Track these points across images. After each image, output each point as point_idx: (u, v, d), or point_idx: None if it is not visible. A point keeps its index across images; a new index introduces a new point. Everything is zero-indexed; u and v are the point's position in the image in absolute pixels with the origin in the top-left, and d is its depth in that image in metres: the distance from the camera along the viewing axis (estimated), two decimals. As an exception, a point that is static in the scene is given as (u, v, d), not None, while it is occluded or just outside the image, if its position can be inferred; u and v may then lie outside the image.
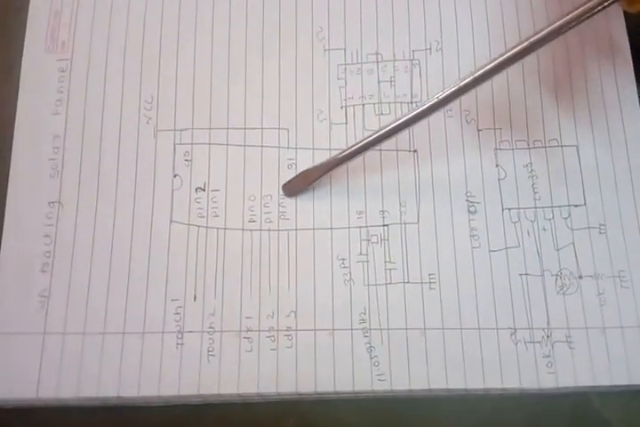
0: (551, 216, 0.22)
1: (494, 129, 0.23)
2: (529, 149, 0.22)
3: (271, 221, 0.21)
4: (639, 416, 0.21)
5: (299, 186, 0.21)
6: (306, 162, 0.22)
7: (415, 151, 0.22)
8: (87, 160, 0.21)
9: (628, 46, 0.24)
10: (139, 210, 0.21)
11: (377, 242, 0.21)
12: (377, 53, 0.23)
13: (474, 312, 0.20)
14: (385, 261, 0.21)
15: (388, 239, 0.21)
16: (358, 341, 0.20)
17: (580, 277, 0.21)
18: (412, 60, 0.23)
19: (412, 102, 0.23)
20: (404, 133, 0.23)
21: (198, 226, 0.21)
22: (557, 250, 0.21)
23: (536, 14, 0.24)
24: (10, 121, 0.21)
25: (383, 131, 0.20)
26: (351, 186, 0.22)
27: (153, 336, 0.20)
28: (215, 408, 0.20)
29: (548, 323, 0.21)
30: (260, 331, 0.20)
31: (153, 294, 0.20)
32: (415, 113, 0.20)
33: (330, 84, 0.23)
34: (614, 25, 0.24)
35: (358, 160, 0.22)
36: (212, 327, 0.20)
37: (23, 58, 0.22)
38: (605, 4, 0.19)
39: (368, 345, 0.20)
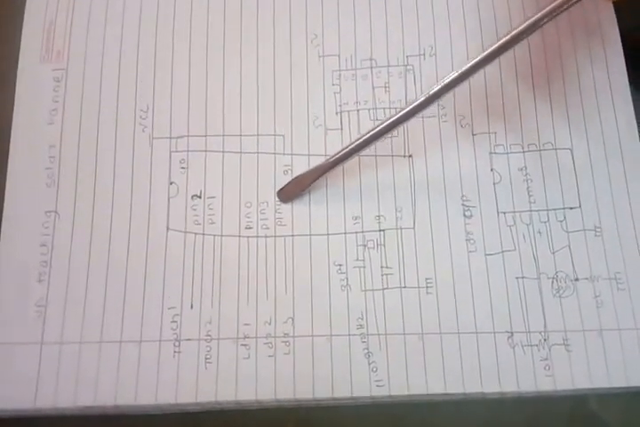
0: (546, 219, 0.22)
1: (489, 133, 0.23)
2: (523, 152, 0.23)
3: (268, 228, 0.21)
4: (637, 418, 0.21)
5: (293, 191, 0.21)
6: (302, 168, 0.22)
7: (410, 156, 0.22)
8: (83, 169, 0.21)
9: (622, 50, 0.24)
10: (135, 218, 0.21)
11: (373, 247, 0.21)
12: (371, 59, 0.23)
13: (471, 316, 0.21)
14: (381, 267, 0.21)
15: (384, 244, 0.21)
16: (356, 346, 0.20)
17: (577, 279, 0.21)
18: (406, 65, 0.23)
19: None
20: (399, 138, 0.23)
21: (195, 233, 0.21)
22: (553, 253, 0.22)
23: (529, 18, 0.24)
24: (6, 131, 0.21)
25: (374, 131, 0.20)
26: (347, 192, 0.22)
27: (150, 345, 0.20)
28: (213, 416, 0.20)
29: (545, 326, 0.21)
30: (257, 338, 0.20)
31: (150, 303, 0.20)
32: (404, 111, 0.20)
33: (325, 91, 0.23)
34: (607, 28, 0.24)
35: (354, 166, 0.22)
36: (209, 335, 0.20)
37: (18, 68, 0.22)
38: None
39: (366, 351, 0.20)
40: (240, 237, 0.21)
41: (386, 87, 0.23)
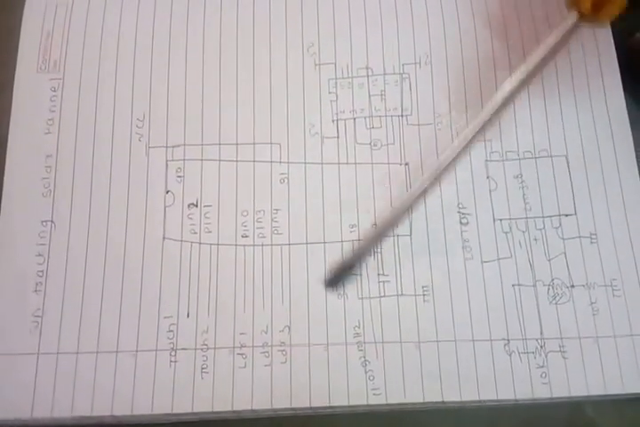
0: (542, 226, 0.22)
1: (484, 141, 0.23)
2: (519, 159, 0.23)
3: (264, 236, 0.21)
4: (633, 425, 0.21)
5: (339, 277, 0.21)
6: (298, 176, 0.22)
7: (407, 164, 0.22)
8: (79, 178, 0.21)
9: (616, 58, 0.24)
10: (131, 227, 0.21)
11: (370, 255, 0.21)
12: (367, 68, 0.23)
13: (467, 324, 0.21)
14: (378, 274, 0.21)
15: (380, 252, 0.21)
16: (353, 355, 0.20)
17: (572, 286, 0.21)
18: (401, 73, 0.23)
19: (402, 115, 0.23)
20: (395, 146, 0.23)
21: (191, 242, 0.21)
22: (549, 260, 0.22)
23: (523, 27, 0.24)
24: (2, 140, 0.21)
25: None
26: (343, 199, 0.22)
27: (146, 354, 0.20)
28: (209, 426, 0.20)
29: (542, 333, 0.21)
30: (253, 347, 0.20)
31: (146, 312, 0.20)
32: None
33: (321, 99, 0.23)
34: (601, 37, 0.24)
35: (350, 174, 0.22)
36: (205, 344, 0.20)
37: (15, 77, 0.22)
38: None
39: (363, 359, 0.20)
40: (236, 245, 0.21)
41: (382, 95, 0.23)
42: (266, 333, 0.20)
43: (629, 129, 0.23)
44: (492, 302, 0.21)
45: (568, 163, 0.23)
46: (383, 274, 0.21)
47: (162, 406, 0.19)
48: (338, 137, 0.22)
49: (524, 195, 0.22)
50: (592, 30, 0.24)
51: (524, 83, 0.20)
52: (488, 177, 0.22)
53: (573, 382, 0.20)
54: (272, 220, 0.21)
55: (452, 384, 0.20)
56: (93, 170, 0.21)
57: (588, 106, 0.23)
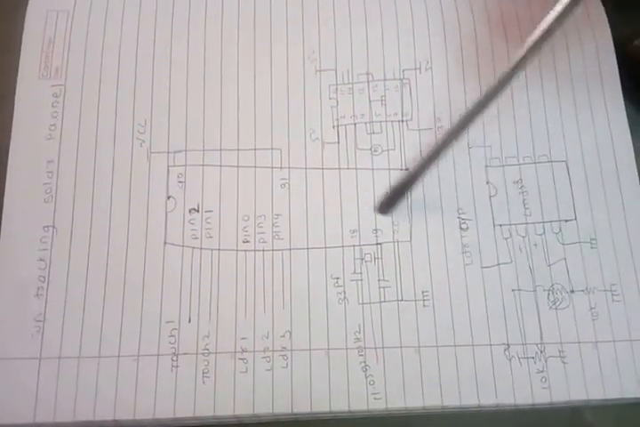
0: (542, 231, 0.22)
1: (484, 146, 0.23)
2: (519, 165, 0.23)
3: (265, 242, 0.21)
4: (633, 430, 0.21)
5: (392, 202, 0.21)
6: (299, 181, 0.22)
7: (407, 169, 0.22)
8: (81, 184, 0.21)
9: (616, 63, 0.24)
10: (133, 232, 0.21)
11: (370, 260, 0.21)
12: (367, 73, 0.23)
13: (467, 329, 0.21)
14: (379, 280, 0.21)
15: (381, 258, 0.21)
16: (353, 360, 0.20)
17: (572, 291, 0.21)
18: (402, 79, 0.23)
19: (402, 121, 0.23)
20: (396, 152, 0.23)
21: (192, 247, 0.21)
22: (549, 265, 0.22)
23: (524, 33, 0.24)
24: (4, 146, 0.21)
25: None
26: (344, 205, 0.22)
27: (148, 359, 0.20)
28: (211, 430, 0.20)
29: (542, 338, 0.21)
30: (254, 352, 0.20)
31: (147, 317, 0.20)
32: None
33: (322, 105, 0.23)
34: (601, 40, 0.24)
35: (351, 179, 0.22)
36: (206, 349, 0.20)
37: (17, 84, 0.22)
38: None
39: (363, 364, 0.20)
40: (238, 250, 0.21)
41: (382, 101, 0.23)
42: (267, 338, 0.20)
43: (629, 134, 0.23)
44: (491, 308, 0.21)
45: (568, 168, 0.23)
46: (383, 279, 0.21)
47: (164, 411, 0.19)
48: (338, 142, 0.23)
49: (523, 200, 0.22)
50: (593, 36, 0.24)
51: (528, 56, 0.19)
52: (488, 182, 0.22)
53: (573, 386, 0.20)
54: (273, 225, 0.21)
55: (451, 389, 0.20)
56: (95, 175, 0.21)
57: (588, 111, 0.23)
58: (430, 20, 0.24)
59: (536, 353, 0.21)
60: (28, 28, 0.23)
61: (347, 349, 0.20)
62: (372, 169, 0.22)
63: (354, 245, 0.21)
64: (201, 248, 0.21)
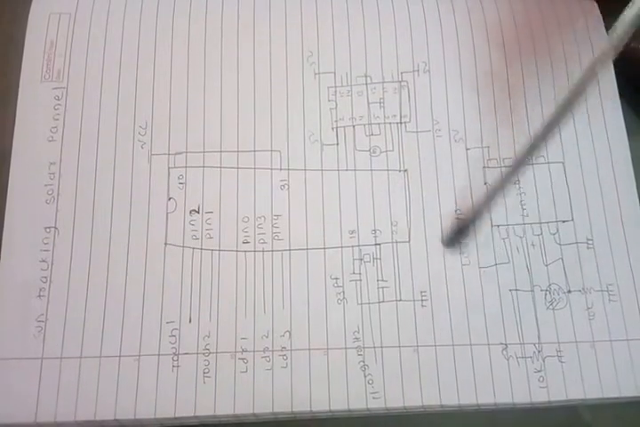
0: (539, 232, 0.22)
1: (482, 148, 0.23)
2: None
3: (265, 242, 0.21)
4: (630, 429, 0.21)
5: (458, 236, 0.21)
6: (298, 183, 0.22)
7: (405, 171, 0.23)
8: (82, 185, 0.21)
9: (612, 65, 0.24)
10: (134, 233, 0.21)
11: (369, 261, 0.22)
12: (366, 76, 0.24)
13: (465, 329, 0.21)
14: (377, 280, 0.21)
15: (380, 258, 0.22)
16: (352, 359, 0.20)
17: (569, 291, 0.22)
18: (400, 81, 0.24)
19: (401, 123, 0.23)
20: (395, 153, 0.23)
21: (193, 248, 0.21)
22: (546, 265, 0.22)
23: (521, 36, 0.24)
24: (7, 148, 0.22)
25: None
26: (343, 206, 0.22)
27: (149, 359, 0.20)
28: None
29: (539, 338, 0.21)
30: (254, 351, 0.20)
31: (148, 317, 0.20)
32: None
33: (320, 107, 0.23)
34: (597, 42, 0.24)
35: (350, 180, 0.23)
36: (207, 349, 0.20)
37: (20, 86, 0.22)
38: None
39: (362, 363, 0.20)
40: (237, 251, 0.21)
41: (381, 103, 0.23)
42: (267, 337, 0.20)
43: (626, 136, 0.24)
44: (489, 308, 0.21)
45: (565, 169, 0.23)
46: (382, 280, 0.21)
47: (164, 411, 0.19)
48: (337, 144, 0.23)
49: (521, 201, 0.23)
50: (588, 37, 0.25)
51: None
52: (486, 183, 0.23)
53: (570, 385, 0.20)
54: (272, 226, 0.22)
55: (450, 388, 0.20)
56: (96, 177, 0.22)
57: (585, 113, 0.24)
58: (428, 24, 0.24)
59: (534, 353, 0.21)
60: (30, 31, 0.23)
61: (346, 348, 0.20)
62: (371, 170, 0.23)
63: (353, 246, 0.22)
64: (201, 249, 0.21)
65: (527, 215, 0.22)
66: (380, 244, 0.22)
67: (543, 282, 0.22)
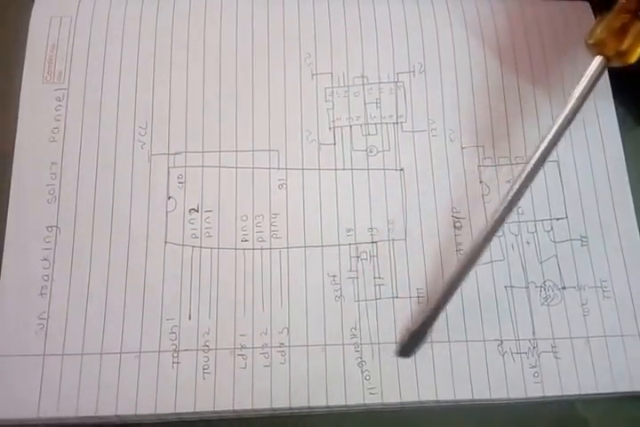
0: (534, 230, 0.23)
1: (477, 147, 0.23)
2: (511, 165, 0.23)
3: (263, 240, 0.22)
4: (624, 422, 0.21)
5: (413, 345, 0.21)
6: (296, 182, 0.22)
7: (402, 170, 0.23)
8: (84, 185, 0.22)
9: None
10: (134, 232, 0.21)
11: (366, 258, 0.22)
12: (363, 76, 0.24)
13: (461, 325, 0.21)
14: (374, 277, 0.22)
15: (376, 256, 0.22)
16: (349, 355, 0.21)
17: (564, 288, 0.22)
18: (396, 82, 0.24)
19: (397, 123, 0.24)
20: (391, 153, 0.24)
21: (192, 246, 0.21)
22: (541, 262, 0.22)
23: (515, 36, 0.25)
24: (9, 148, 0.22)
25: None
26: (340, 204, 0.22)
27: (149, 355, 0.20)
28: (211, 425, 0.20)
29: (534, 334, 0.21)
30: (253, 348, 0.20)
31: (149, 314, 0.20)
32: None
33: (318, 107, 0.23)
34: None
35: (347, 179, 0.23)
36: (206, 345, 0.20)
37: (22, 88, 0.23)
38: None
39: (359, 360, 0.21)
40: (236, 249, 0.22)
41: (377, 103, 0.24)
42: (265, 334, 0.21)
43: (619, 135, 0.24)
44: (485, 304, 0.21)
45: (559, 168, 0.23)
46: (379, 277, 0.22)
47: (165, 406, 0.20)
48: (334, 144, 0.23)
49: (516, 199, 0.23)
50: (582, 40, 0.25)
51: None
52: (481, 182, 0.23)
53: (565, 381, 0.21)
54: (271, 224, 0.22)
55: (446, 384, 0.20)
56: (97, 177, 0.22)
57: (579, 114, 0.24)
58: (423, 25, 0.25)
59: (529, 349, 0.21)
60: (32, 34, 0.23)
61: (343, 345, 0.21)
62: (368, 169, 0.23)
63: (350, 244, 0.22)
64: (201, 247, 0.21)
65: (522, 213, 0.23)
66: (376, 242, 0.22)
67: (538, 279, 0.22)
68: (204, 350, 0.20)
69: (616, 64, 0.21)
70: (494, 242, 0.22)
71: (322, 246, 0.22)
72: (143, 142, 0.22)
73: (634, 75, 0.25)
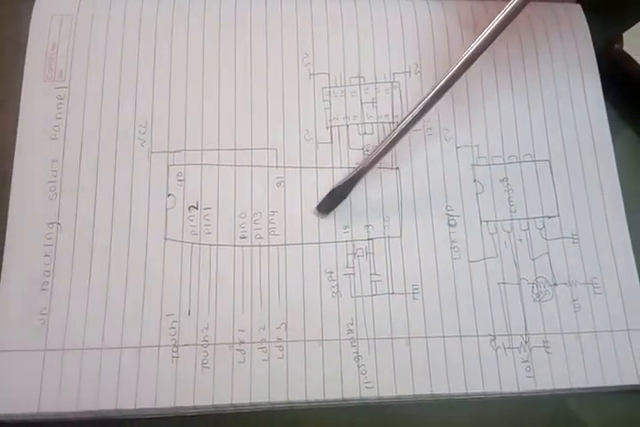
0: (527, 227, 0.23)
1: (471, 146, 0.24)
2: (504, 164, 0.24)
3: (261, 237, 0.22)
4: (614, 416, 0.22)
5: (331, 203, 0.22)
6: (294, 180, 0.23)
7: (397, 168, 0.23)
8: (84, 182, 0.22)
9: (596, 65, 0.25)
10: (134, 228, 0.22)
11: (362, 255, 0.22)
12: (359, 76, 0.24)
13: (455, 321, 0.22)
14: (370, 274, 0.22)
15: (372, 253, 0.22)
16: (346, 350, 0.21)
17: (555, 284, 0.22)
18: (392, 82, 0.24)
19: (393, 122, 0.24)
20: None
21: (191, 243, 0.22)
22: (533, 259, 0.23)
23: (509, 38, 0.25)
24: (10, 146, 0.22)
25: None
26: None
27: (149, 350, 0.20)
28: (209, 419, 0.20)
29: (526, 329, 0.22)
30: (252, 343, 0.21)
31: (148, 310, 0.21)
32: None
33: (315, 106, 0.24)
34: (581, 48, 0.25)
35: (343, 177, 0.23)
36: (205, 340, 0.21)
37: (23, 86, 0.23)
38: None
39: (356, 354, 0.21)
40: (235, 246, 0.22)
41: (373, 103, 0.24)
42: (263, 329, 0.21)
43: (609, 135, 0.25)
44: (478, 300, 0.22)
45: (551, 167, 0.24)
46: (375, 274, 0.22)
47: (164, 400, 0.20)
48: (332, 142, 0.23)
49: (509, 198, 0.23)
50: (574, 40, 0.25)
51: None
52: (475, 181, 0.23)
53: (557, 375, 0.21)
54: (269, 222, 0.22)
55: (440, 378, 0.21)
56: (97, 174, 0.22)
57: (570, 113, 0.25)
58: (419, 26, 0.25)
59: (521, 344, 0.21)
60: (32, 32, 0.23)
61: (340, 340, 0.21)
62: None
63: (346, 241, 0.22)
64: (200, 244, 0.22)
65: (515, 211, 0.23)
66: (372, 239, 0.22)
67: (530, 275, 0.22)
68: (203, 345, 0.21)
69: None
70: (488, 239, 0.23)
71: (319, 243, 0.22)
72: (143, 140, 0.23)
73: (625, 76, 0.25)
